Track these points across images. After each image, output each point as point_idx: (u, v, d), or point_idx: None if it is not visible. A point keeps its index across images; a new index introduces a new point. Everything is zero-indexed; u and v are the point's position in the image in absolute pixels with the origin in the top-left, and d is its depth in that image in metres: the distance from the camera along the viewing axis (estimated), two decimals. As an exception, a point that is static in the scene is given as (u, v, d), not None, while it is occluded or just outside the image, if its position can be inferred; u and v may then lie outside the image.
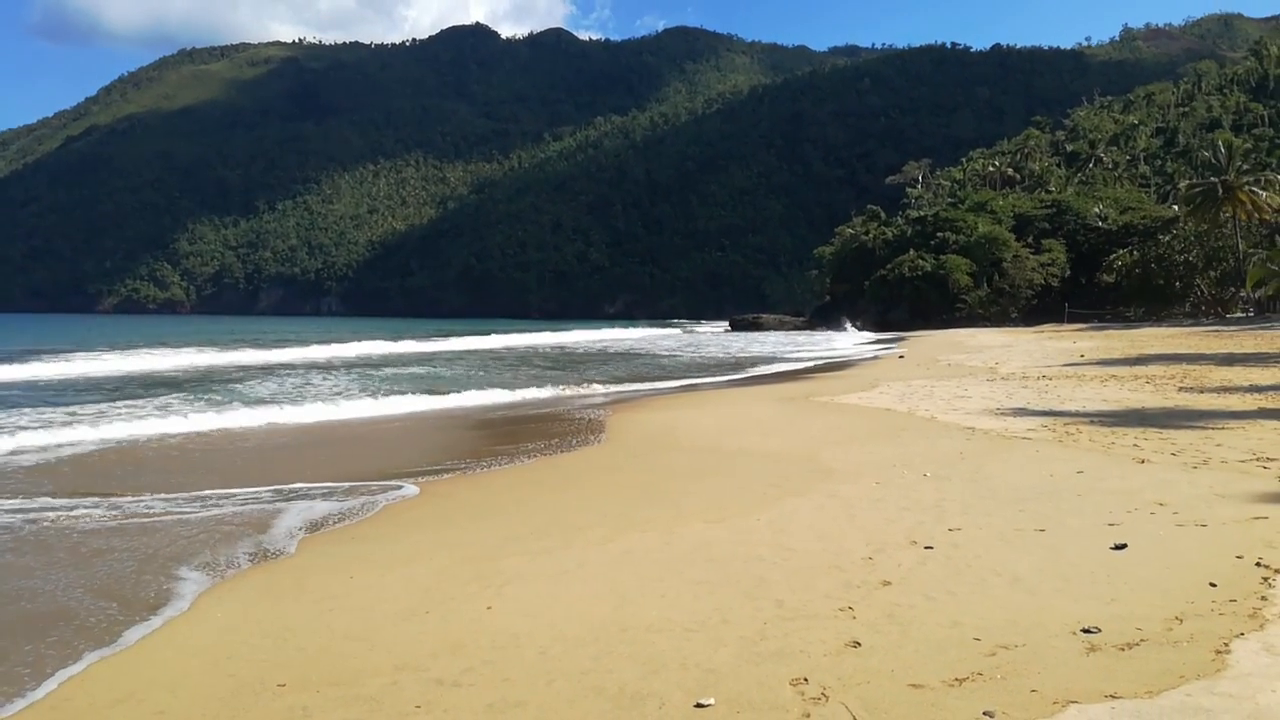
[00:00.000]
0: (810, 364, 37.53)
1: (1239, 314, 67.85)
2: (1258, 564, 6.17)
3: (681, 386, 26.10)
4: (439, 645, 5.33)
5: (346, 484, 10.80)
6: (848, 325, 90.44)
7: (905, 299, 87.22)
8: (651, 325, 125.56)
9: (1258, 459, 10.18)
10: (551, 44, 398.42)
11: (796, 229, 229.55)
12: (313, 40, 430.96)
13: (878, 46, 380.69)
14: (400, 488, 10.50)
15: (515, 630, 5.50)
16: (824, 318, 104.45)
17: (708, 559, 6.94)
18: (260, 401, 20.38)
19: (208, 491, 10.37)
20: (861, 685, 4.48)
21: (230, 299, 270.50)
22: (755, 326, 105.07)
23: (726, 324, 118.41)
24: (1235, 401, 16.08)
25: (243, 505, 9.71)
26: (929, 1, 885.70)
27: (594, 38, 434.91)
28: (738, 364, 38.30)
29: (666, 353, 49.55)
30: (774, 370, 33.88)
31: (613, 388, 25.14)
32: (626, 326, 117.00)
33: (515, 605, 5.99)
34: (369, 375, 29.52)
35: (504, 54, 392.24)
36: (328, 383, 25.98)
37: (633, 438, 14.39)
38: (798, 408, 18.21)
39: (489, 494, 10.15)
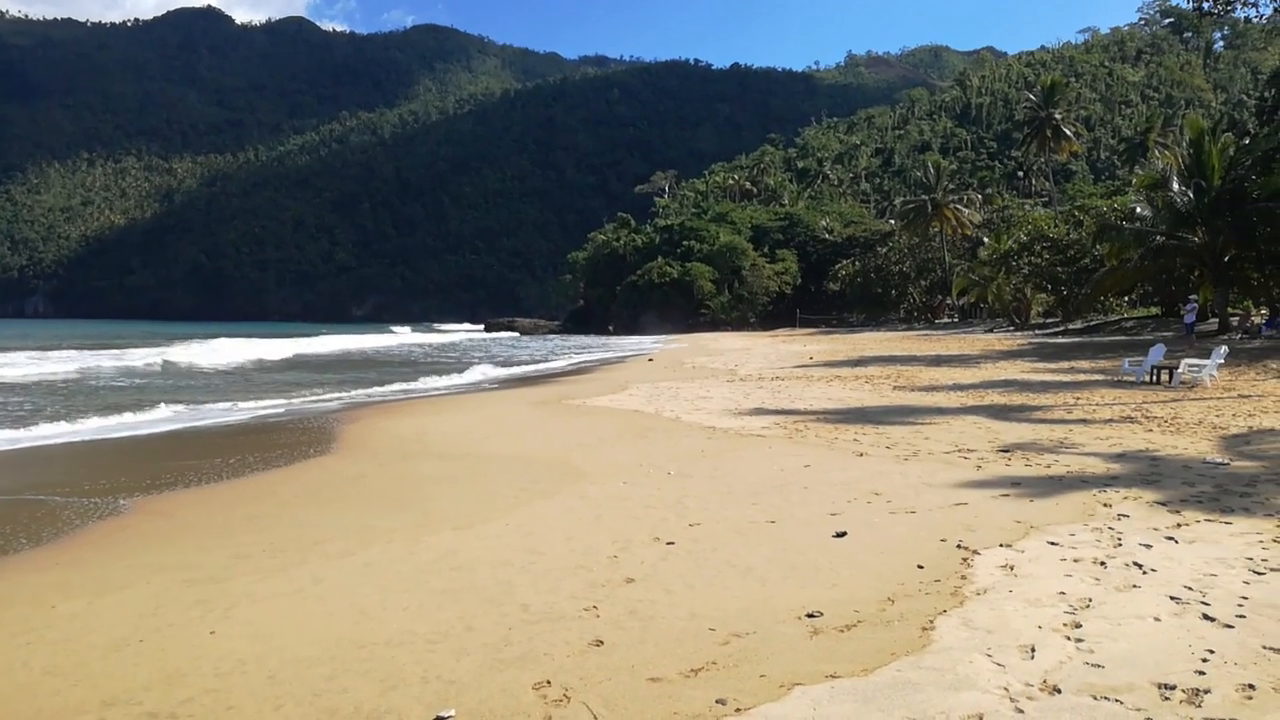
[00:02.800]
0: (565, 367, 37.91)
1: (945, 319, 75.66)
2: (959, 546, 6.85)
3: (433, 391, 25.55)
4: (154, 676, 4.86)
5: (43, 498, 9.64)
6: (610, 328, 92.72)
7: (655, 304, 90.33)
8: (403, 328, 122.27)
9: (959, 450, 11.35)
10: (292, 33, 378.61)
11: (550, 233, 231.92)
12: (16, 14, 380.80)
13: (626, 59, 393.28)
14: (110, 506, 9.50)
15: (242, 655, 5.12)
16: (578, 322, 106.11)
17: (454, 567, 6.80)
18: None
19: None
20: (603, 683, 4.54)
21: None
22: (511, 330, 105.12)
23: (482, 327, 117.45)
24: (941, 399, 17.88)
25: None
26: (673, 15, 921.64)
27: (338, 29, 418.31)
28: (499, 365, 37.95)
29: (418, 357, 48.40)
30: (529, 372, 33.91)
31: (360, 393, 24.17)
32: (376, 330, 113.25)
33: (243, 628, 5.58)
34: (69, 391, 26.48)
35: (239, 40, 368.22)
36: (13, 400, 21.88)
37: (381, 445, 13.88)
38: (550, 411, 18.33)
39: (215, 510, 9.39)
